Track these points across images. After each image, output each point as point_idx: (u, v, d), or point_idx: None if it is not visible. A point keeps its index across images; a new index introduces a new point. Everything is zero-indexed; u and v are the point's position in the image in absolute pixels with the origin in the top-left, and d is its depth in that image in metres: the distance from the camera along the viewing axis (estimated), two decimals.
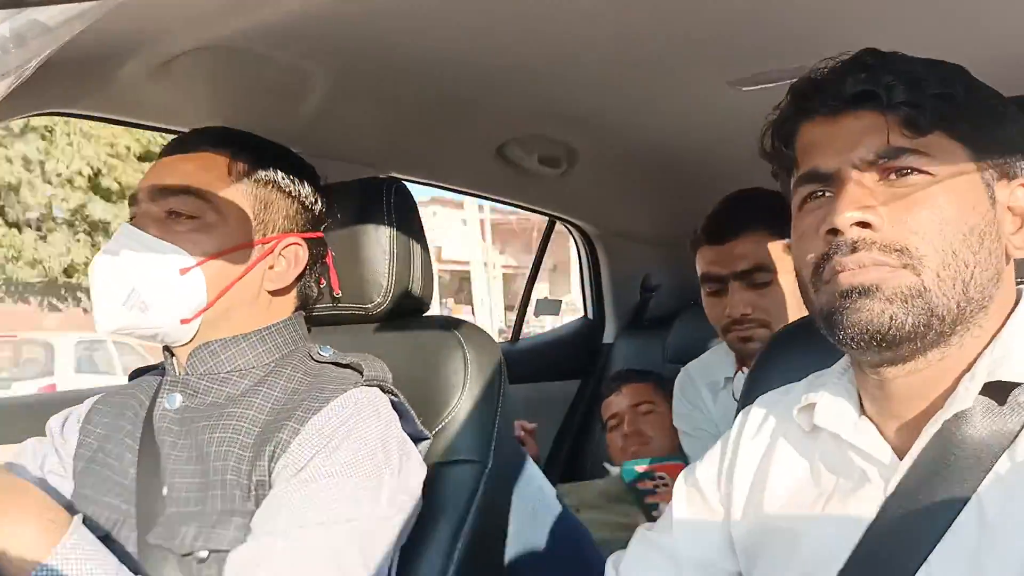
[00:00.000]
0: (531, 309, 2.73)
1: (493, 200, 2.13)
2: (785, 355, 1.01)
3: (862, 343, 0.71)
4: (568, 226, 2.52)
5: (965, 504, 0.67)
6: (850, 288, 0.70)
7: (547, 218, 2.50)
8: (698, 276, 1.62)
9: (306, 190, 1.14)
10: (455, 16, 1.12)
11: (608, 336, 2.63)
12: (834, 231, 0.71)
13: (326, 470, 0.93)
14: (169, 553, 0.95)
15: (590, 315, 2.66)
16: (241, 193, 1.07)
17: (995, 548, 0.65)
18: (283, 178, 1.11)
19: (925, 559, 0.68)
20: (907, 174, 0.71)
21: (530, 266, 2.74)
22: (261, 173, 1.09)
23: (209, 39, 1.08)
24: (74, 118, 1.24)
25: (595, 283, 2.63)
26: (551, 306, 2.94)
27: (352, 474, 0.94)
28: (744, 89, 1.39)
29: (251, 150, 1.10)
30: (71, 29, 0.63)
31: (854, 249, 0.70)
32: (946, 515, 0.68)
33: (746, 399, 0.97)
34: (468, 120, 1.56)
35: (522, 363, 2.41)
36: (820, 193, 0.76)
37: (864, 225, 0.70)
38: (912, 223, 0.70)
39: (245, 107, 1.31)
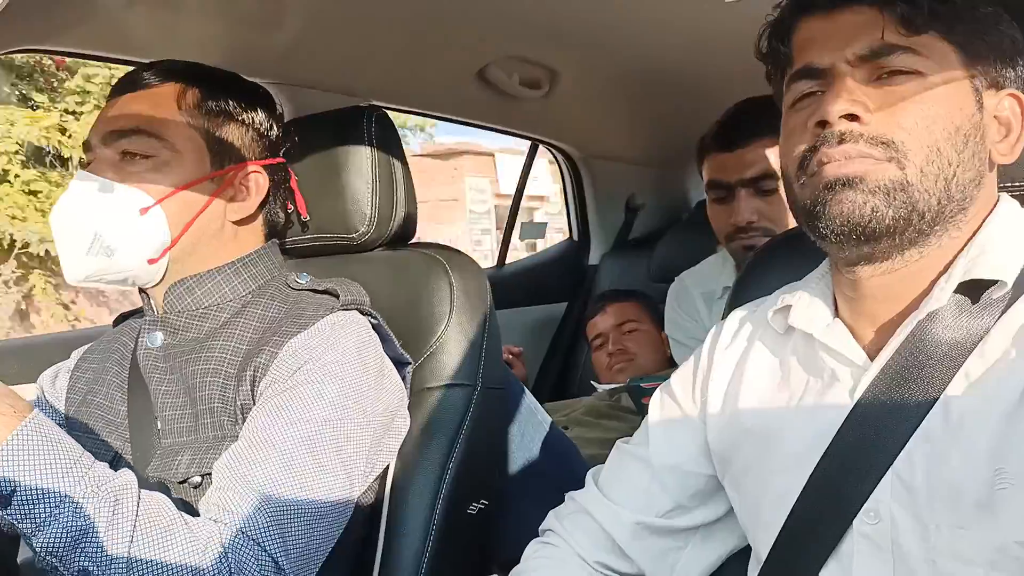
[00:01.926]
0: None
1: (474, 125, 2.11)
2: (769, 269, 1.02)
3: (841, 235, 0.72)
4: (551, 149, 2.51)
5: (934, 403, 0.70)
6: (834, 179, 0.71)
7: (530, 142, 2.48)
8: (704, 183, 1.61)
9: (260, 116, 1.13)
10: None
11: (593, 257, 2.65)
12: (823, 123, 0.73)
13: (303, 379, 0.96)
14: (166, 482, 0.98)
15: (575, 237, 2.67)
16: (193, 127, 1.06)
17: (959, 443, 0.68)
18: (235, 107, 1.10)
19: (894, 458, 0.71)
20: (899, 73, 0.72)
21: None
22: (211, 103, 1.08)
23: None
24: (49, 54, 1.21)
25: (579, 205, 2.63)
26: (536, 230, 2.94)
27: (330, 380, 0.96)
28: (728, 0, 1.37)
29: (199, 81, 1.09)
30: None
31: (841, 140, 0.71)
32: (915, 415, 0.71)
33: (730, 310, 0.99)
34: (448, 44, 1.54)
35: (509, 287, 2.43)
36: (812, 92, 0.77)
37: (853, 118, 0.71)
38: (900, 118, 0.71)
39: (221, 39, 1.29)
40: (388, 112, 1.26)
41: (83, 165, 1.07)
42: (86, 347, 1.19)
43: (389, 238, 1.24)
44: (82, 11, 1.12)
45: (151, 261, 1.04)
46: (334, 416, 0.95)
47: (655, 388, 1.35)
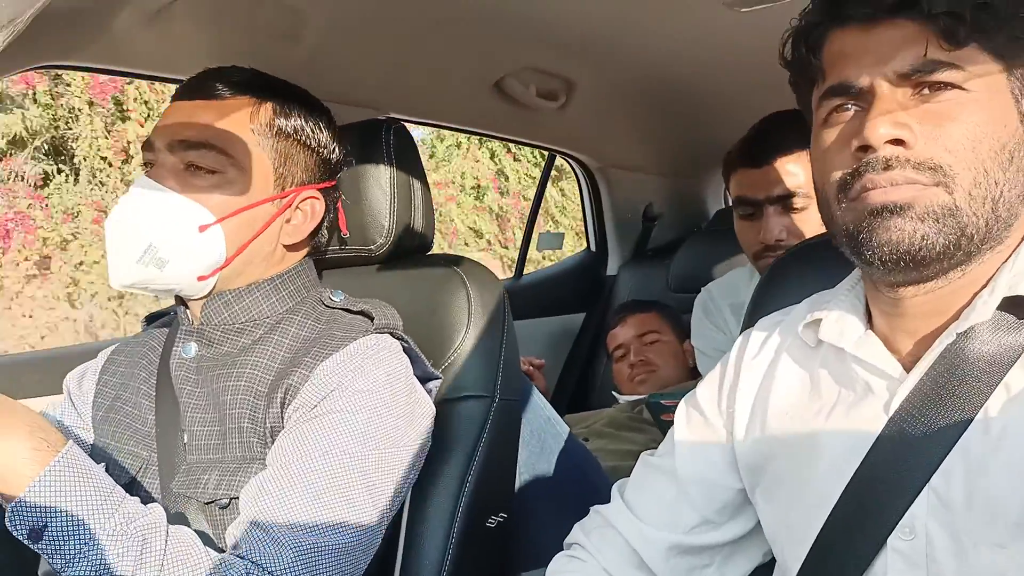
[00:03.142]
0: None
1: (492, 137, 2.11)
2: (791, 278, 1.02)
3: (890, 263, 0.69)
4: (568, 159, 2.51)
5: (973, 418, 0.68)
6: (882, 206, 0.69)
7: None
8: (731, 199, 1.57)
9: (324, 138, 1.11)
10: None
11: (611, 268, 2.64)
12: (865, 147, 0.69)
13: (334, 407, 0.94)
14: (192, 500, 0.97)
15: (592, 247, 2.67)
16: (263, 147, 1.04)
17: (999, 459, 0.66)
18: (303, 128, 1.08)
19: (931, 473, 0.69)
20: (941, 89, 0.69)
21: None
22: (283, 123, 1.06)
23: None
24: (70, 71, 1.23)
25: (597, 215, 2.63)
26: (553, 240, 2.94)
27: (359, 410, 0.95)
28: (742, 10, 1.36)
29: (272, 97, 1.06)
30: None
31: (887, 166, 0.68)
32: (953, 429, 0.68)
33: (750, 321, 0.98)
34: (465, 56, 1.54)
35: (527, 298, 2.42)
36: (848, 107, 0.74)
37: (898, 142, 0.68)
38: (945, 140, 0.68)
39: (240, 52, 1.29)
40: (406, 124, 1.26)
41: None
42: (113, 347, 1.17)
43: (407, 250, 1.24)
44: (102, 27, 1.12)
45: (201, 278, 1.02)
46: (363, 449, 0.93)
47: (675, 405, 1.34)
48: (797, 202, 1.45)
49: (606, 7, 1.38)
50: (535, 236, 2.71)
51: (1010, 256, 0.72)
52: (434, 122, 1.96)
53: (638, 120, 2.16)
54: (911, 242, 0.68)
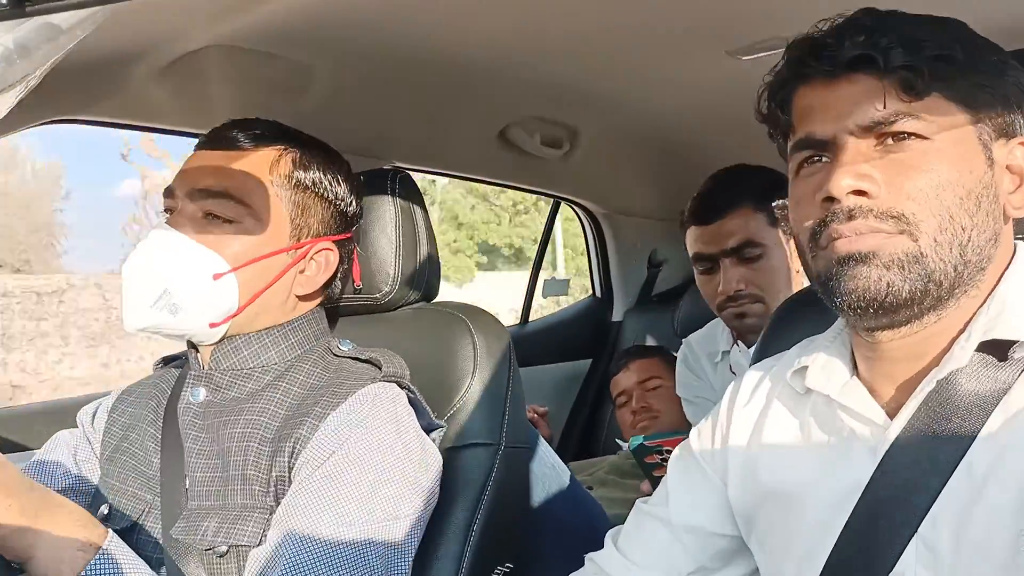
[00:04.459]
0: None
1: (497, 184, 2.13)
2: (792, 325, 1.02)
3: (859, 309, 0.71)
4: (573, 206, 2.52)
5: (958, 463, 0.68)
6: (847, 255, 0.71)
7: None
8: (690, 256, 1.64)
9: (342, 190, 1.12)
10: (453, 1, 1.12)
11: (617, 314, 2.64)
12: (831, 198, 0.71)
13: (344, 467, 0.94)
14: (191, 547, 0.97)
15: (598, 293, 2.67)
16: (281, 198, 1.05)
17: (983, 504, 0.66)
18: (322, 180, 1.09)
19: (920, 520, 0.69)
20: (904, 138, 0.71)
21: None
22: (302, 175, 1.07)
23: (211, 39, 1.09)
24: (83, 124, 1.25)
25: (602, 261, 2.63)
26: (559, 286, 2.95)
27: (370, 472, 0.94)
28: (744, 59, 1.39)
29: (292, 149, 1.08)
30: (75, 36, 0.63)
31: (851, 216, 0.70)
32: (939, 475, 0.69)
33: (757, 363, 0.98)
34: (469, 106, 1.56)
35: (532, 345, 2.42)
36: (817, 158, 0.76)
37: (860, 193, 0.70)
38: (908, 189, 0.70)
39: (249, 104, 1.31)
40: (411, 173, 1.28)
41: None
42: (126, 387, 1.18)
43: (412, 298, 1.24)
44: (114, 81, 1.15)
45: (213, 325, 1.03)
46: (374, 512, 0.93)
47: (657, 446, 1.34)
48: (750, 252, 1.53)
49: (609, 57, 1.40)
50: (540, 282, 2.72)
51: (986, 300, 0.73)
52: (439, 171, 1.98)
53: (642, 167, 2.18)
54: (877, 289, 0.70)
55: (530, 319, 2.58)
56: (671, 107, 1.71)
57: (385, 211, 1.21)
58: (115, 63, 1.09)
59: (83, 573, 0.78)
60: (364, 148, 1.56)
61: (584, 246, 2.70)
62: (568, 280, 2.96)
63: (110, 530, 0.84)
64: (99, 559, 0.80)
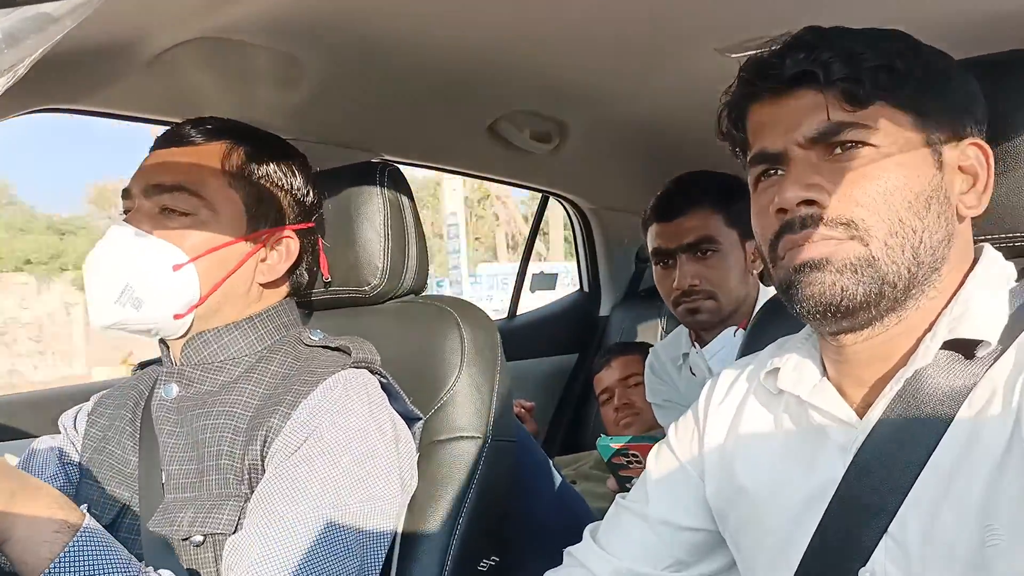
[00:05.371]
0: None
1: (486, 179, 2.13)
2: (774, 325, 1.03)
3: (818, 314, 0.74)
4: (562, 201, 2.53)
5: (926, 461, 0.70)
6: (802, 263, 0.73)
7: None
8: (649, 252, 1.71)
9: (298, 181, 1.14)
10: None
11: (604, 309, 2.65)
12: (783, 210, 0.74)
13: (317, 452, 0.95)
14: (168, 538, 0.98)
15: (585, 288, 2.68)
16: (235, 189, 1.08)
17: (950, 501, 0.68)
18: (276, 171, 1.11)
19: (890, 518, 0.71)
20: (851, 147, 0.73)
21: None
22: (255, 167, 1.10)
23: (202, 30, 1.09)
24: (70, 114, 1.24)
25: (590, 256, 2.64)
26: (547, 281, 2.95)
27: (343, 455, 0.96)
28: (732, 56, 1.39)
29: (246, 142, 1.10)
30: (65, 25, 0.63)
31: (803, 225, 0.73)
32: (908, 473, 0.71)
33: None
34: (459, 100, 1.56)
35: (520, 339, 2.43)
36: (772, 172, 0.78)
37: (810, 203, 0.73)
38: (857, 195, 0.72)
39: (239, 97, 1.32)
40: (400, 167, 1.28)
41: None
42: (104, 392, 1.19)
43: (401, 291, 1.24)
44: (103, 72, 1.14)
45: (177, 316, 1.05)
46: (348, 497, 0.94)
47: (624, 448, 1.36)
48: (706, 247, 1.61)
49: (599, 53, 1.40)
50: (528, 277, 2.72)
51: (949, 301, 0.74)
52: (428, 164, 1.98)
53: (631, 162, 2.18)
54: (832, 293, 0.72)
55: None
56: (660, 103, 1.71)
57: (373, 204, 1.21)
58: (104, 53, 1.09)
59: (62, 554, 0.79)
60: (353, 141, 1.56)
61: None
62: (557, 275, 2.96)
63: (87, 513, 0.85)
64: (77, 540, 0.80)
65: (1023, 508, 0.65)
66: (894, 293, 0.72)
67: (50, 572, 0.79)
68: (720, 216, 1.62)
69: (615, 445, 1.52)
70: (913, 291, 0.73)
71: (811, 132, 0.74)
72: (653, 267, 1.71)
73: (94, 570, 0.81)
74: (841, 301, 0.72)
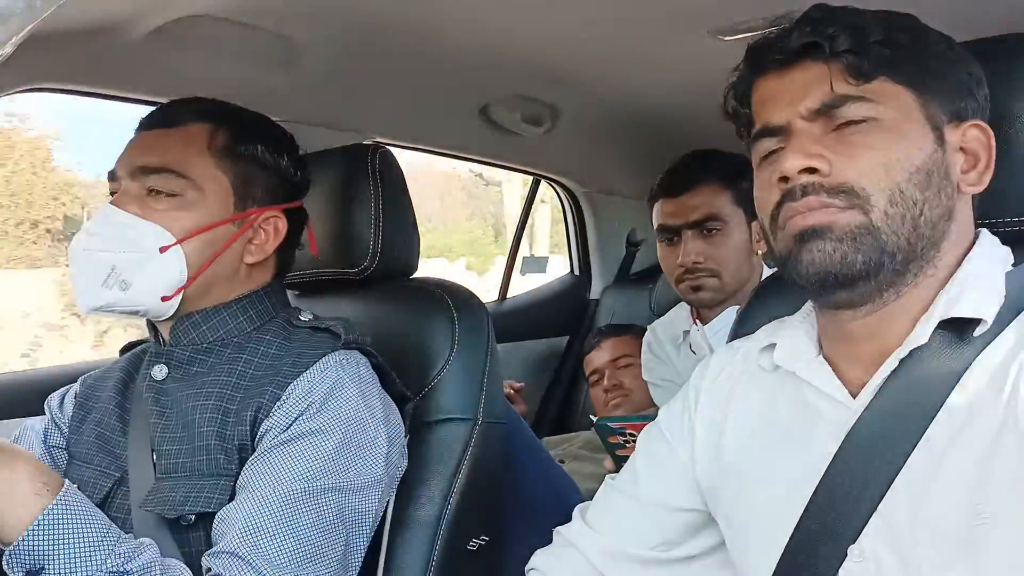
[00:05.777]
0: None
1: (477, 161, 2.13)
2: (768, 305, 1.03)
3: (818, 283, 0.74)
4: (553, 184, 2.53)
5: (918, 441, 0.71)
6: (802, 231, 0.74)
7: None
8: (655, 228, 1.71)
9: (285, 161, 1.13)
10: None
11: (595, 292, 2.65)
12: (784, 179, 0.75)
13: (307, 431, 0.96)
14: (159, 518, 0.98)
15: (576, 271, 2.68)
16: (221, 169, 1.07)
17: (940, 481, 0.69)
18: (263, 151, 1.10)
19: (881, 497, 0.71)
20: (854, 120, 0.74)
21: None
22: (241, 147, 1.08)
23: (194, 8, 1.08)
24: (62, 93, 1.23)
25: (581, 240, 2.64)
26: (537, 264, 2.95)
27: (333, 435, 0.96)
28: (725, 39, 1.39)
29: (231, 122, 1.09)
30: (53, 1, 0.63)
31: (804, 193, 0.74)
32: (900, 452, 0.71)
33: (734, 340, 0.99)
34: (451, 83, 1.56)
35: (510, 321, 2.43)
36: (774, 146, 0.79)
37: (812, 171, 0.73)
38: (858, 165, 0.73)
39: (232, 77, 1.31)
40: (392, 149, 1.28)
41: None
42: (91, 373, 1.19)
43: (391, 272, 1.24)
44: (94, 51, 1.14)
45: (164, 298, 1.04)
46: (337, 478, 0.95)
47: (621, 428, 1.36)
48: (711, 225, 1.61)
49: (591, 36, 1.40)
50: (519, 260, 2.72)
51: (947, 280, 0.75)
52: (420, 147, 1.97)
53: (622, 146, 2.18)
54: (831, 261, 0.73)
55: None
56: (652, 87, 1.71)
57: (365, 186, 1.21)
58: (95, 32, 1.08)
59: (40, 516, 0.80)
60: (345, 123, 1.56)
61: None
62: (547, 258, 2.96)
63: (67, 480, 0.85)
64: (57, 503, 0.81)
65: (1013, 489, 0.66)
66: (893, 264, 0.73)
67: (30, 533, 0.80)
68: (728, 194, 1.61)
69: (613, 424, 1.53)
70: (912, 265, 0.74)
71: (815, 104, 0.75)
72: (658, 244, 1.70)
73: (73, 532, 0.81)
74: (841, 269, 0.72)
